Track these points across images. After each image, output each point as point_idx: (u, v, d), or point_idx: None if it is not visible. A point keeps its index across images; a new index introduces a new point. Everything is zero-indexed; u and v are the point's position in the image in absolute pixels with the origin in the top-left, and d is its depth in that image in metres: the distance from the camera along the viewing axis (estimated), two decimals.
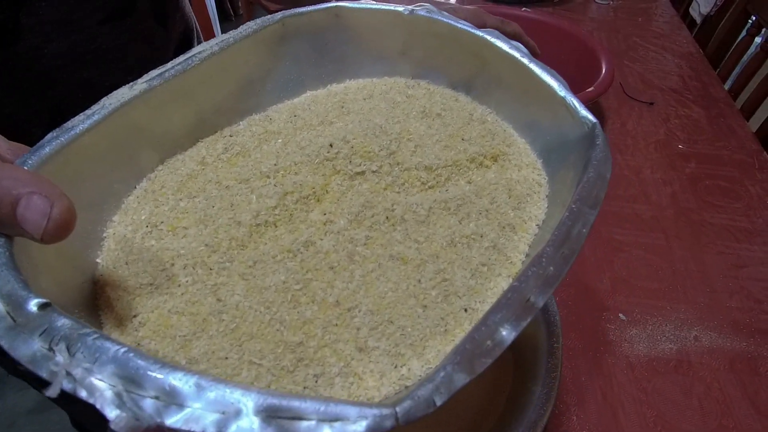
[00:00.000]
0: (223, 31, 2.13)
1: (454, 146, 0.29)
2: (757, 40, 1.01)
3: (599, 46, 0.72)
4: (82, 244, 0.23)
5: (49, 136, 0.23)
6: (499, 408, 0.37)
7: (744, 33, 1.02)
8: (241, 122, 0.31)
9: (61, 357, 0.15)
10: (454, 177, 0.27)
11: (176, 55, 0.48)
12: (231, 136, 0.30)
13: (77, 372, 0.14)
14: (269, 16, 0.31)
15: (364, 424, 0.14)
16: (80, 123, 0.24)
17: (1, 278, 0.16)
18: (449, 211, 0.25)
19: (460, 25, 0.31)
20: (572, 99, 0.27)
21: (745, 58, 1.03)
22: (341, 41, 0.33)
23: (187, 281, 0.22)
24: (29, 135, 0.39)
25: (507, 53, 0.29)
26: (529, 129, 0.30)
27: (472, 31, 0.30)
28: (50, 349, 0.15)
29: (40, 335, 0.15)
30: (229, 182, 0.26)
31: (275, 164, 0.27)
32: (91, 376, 0.14)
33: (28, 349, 0.15)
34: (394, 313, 0.21)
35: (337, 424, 0.14)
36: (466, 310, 0.21)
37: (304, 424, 0.14)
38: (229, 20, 2.77)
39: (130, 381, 0.14)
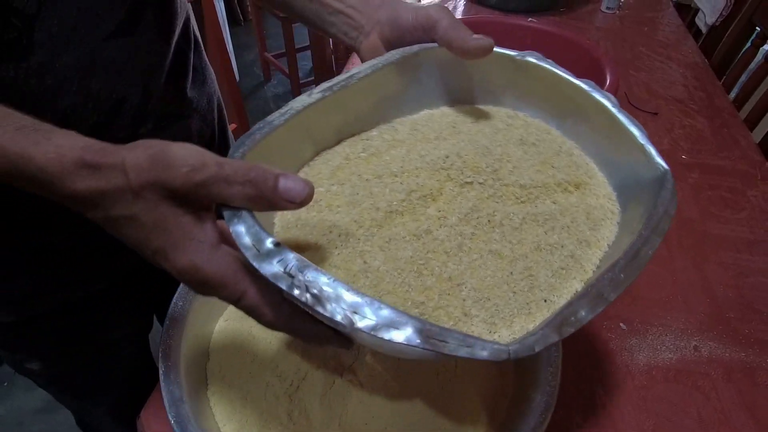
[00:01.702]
0: (233, 36, 2.11)
1: (544, 171, 0.34)
2: (762, 50, 1.01)
3: (604, 57, 0.73)
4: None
5: (256, 126, 0.30)
6: (500, 415, 0.38)
7: (749, 44, 1.03)
8: (373, 130, 0.37)
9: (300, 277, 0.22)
10: (542, 196, 0.33)
11: (172, 65, 0.48)
12: (367, 140, 0.36)
13: (309, 286, 0.22)
14: (409, 48, 0.38)
15: (486, 352, 0.21)
16: (277, 118, 0.31)
17: (248, 224, 0.24)
18: (537, 223, 0.31)
19: (561, 72, 0.37)
20: (650, 147, 0.32)
21: (750, 68, 1.03)
22: (458, 72, 0.39)
23: (342, 245, 0.29)
24: None
25: (598, 101, 0.35)
26: (608, 166, 0.35)
27: (571, 79, 0.36)
28: (285, 272, 0.22)
29: (278, 262, 0.23)
30: (368, 176, 0.33)
31: (401, 167, 0.33)
32: (317, 291, 0.22)
33: (271, 269, 0.23)
34: (491, 293, 0.27)
35: (469, 349, 0.21)
36: (545, 301, 0.27)
37: (448, 345, 0.21)
38: (238, 25, 2.80)
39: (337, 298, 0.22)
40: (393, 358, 0.39)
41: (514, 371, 0.41)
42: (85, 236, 0.47)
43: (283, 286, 0.22)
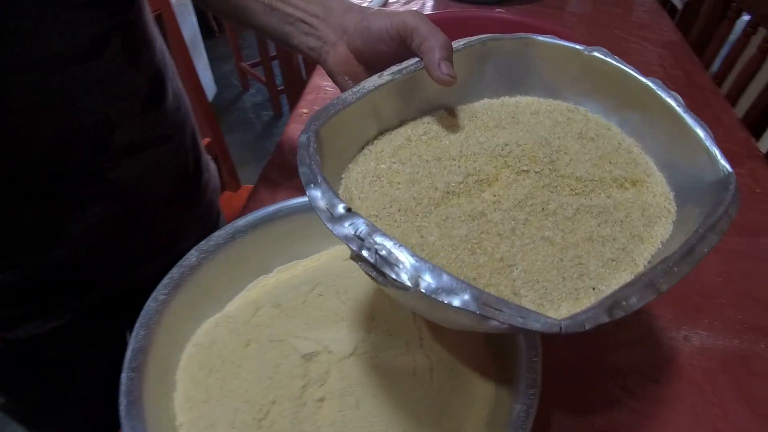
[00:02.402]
0: (209, 48, 2.08)
1: (601, 166, 0.34)
2: (739, 22, 1.00)
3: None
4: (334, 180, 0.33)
5: (331, 102, 0.32)
6: (481, 426, 0.36)
7: (726, 18, 1.01)
8: (435, 114, 0.38)
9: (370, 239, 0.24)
10: (597, 190, 0.33)
11: (148, 97, 0.46)
12: (428, 123, 0.37)
13: (378, 249, 0.23)
14: (474, 37, 0.38)
15: (539, 324, 0.22)
16: (350, 96, 0.33)
17: (323, 189, 0.26)
18: (591, 215, 0.31)
19: (628, 69, 0.37)
20: (715, 149, 0.32)
21: (728, 42, 1.01)
22: (522, 64, 0.40)
23: (401, 219, 0.30)
24: (20, 168, 0.38)
25: (665, 101, 0.35)
26: (669, 165, 0.35)
27: (638, 76, 0.36)
28: (355, 234, 0.24)
29: (349, 225, 0.24)
30: (428, 157, 0.34)
31: (460, 151, 0.34)
32: (385, 252, 0.23)
33: (342, 231, 0.24)
34: (540, 277, 0.28)
35: (522, 320, 0.22)
36: (593, 289, 0.28)
37: (503, 314, 0.22)
38: (213, 37, 2.77)
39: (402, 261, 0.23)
40: (361, 379, 0.37)
41: (495, 379, 0.39)
42: (45, 272, 0.45)
43: (354, 247, 0.24)
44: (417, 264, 0.23)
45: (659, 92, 0.35)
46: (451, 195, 0.32)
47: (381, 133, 0.37)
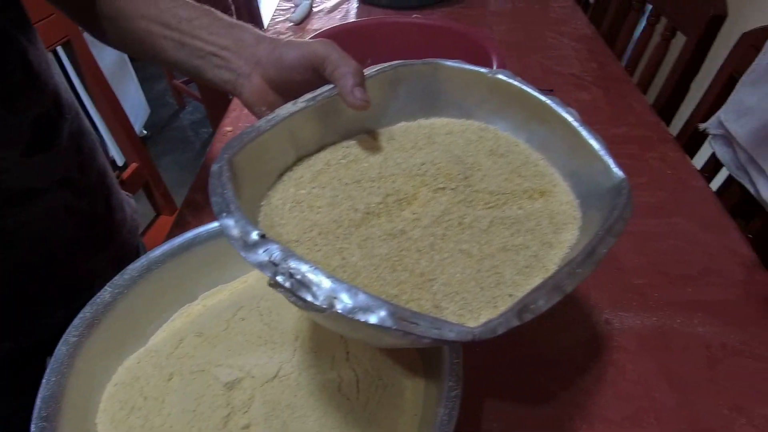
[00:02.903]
0: (140, 68, 2.01)
1: (512, 180, 0.37)
2: (644, 13, 1.05)
3: (489, 44, 0.73)
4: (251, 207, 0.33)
5: (245, 130, 0.33)
6: None
7: (632, 9, 1.07)
8: (353, 139, 0.39)
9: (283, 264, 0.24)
10: (509, 202, 0.36)
11: (33, 142, 0.43)
12: (347, 147, 0.38)
13: (293, 273, 0.24)
14: (387, 64, 0.40)
15: (453, 334, 0.23)
16: (264, 124, 0.34)
17: (236, 217, 0.26)
18: (504, 226, 0.33)
19: (528, 89, 0.39)
20: (608, 157, 0.34)
21: (636, 32, 1.07)
22: (434, 87, 0.42)
23: (322, 242, 0.31)
24: None
25: (562, 116, 0.37)
26: (572, 175, 0.38)
27: (538, 95, 0.39)
28: (270, 260, 0.24)
29: (263, 252, 0.25)
30: (348, 180, 0.35)
31: (379, 172, 0.36)
32: (300, 277, 0.24)
33: (257, 258, 0.24)
34: (460, 288, 0.29)
35: (438, 331, 0.23)
36: (510, 296, 0.29)
37: (419, 327, 0.23)
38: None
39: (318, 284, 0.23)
40: (287, 401, 0.36)
41: (424, 384, 0.39)
42: None
43: (268, 273, 0.24)
44: (333, 285, 0.23)
45: (557, 109, 0.38)
46: (372, 216, 0.33)
47: (300, 159, 0.37)
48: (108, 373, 0.41)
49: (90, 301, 0.41)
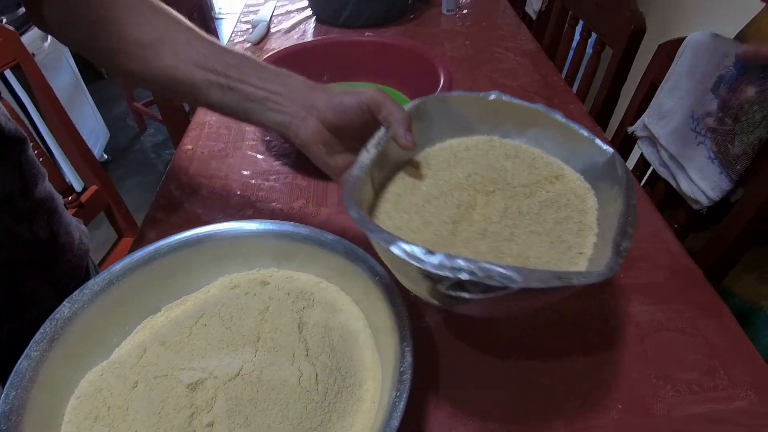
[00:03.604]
0: (97, 91, 1.97)
1: (533, 173, 0.46)
2: (578, 28, 1.13)
3: (437, 59, 0.78)
4: None
5: (349, 180, 0.39)
6: (370, 420, 0.39)
7: (567, 25, 1.15)
8: (401, 170, 0.46)
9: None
10: (540, 189, 0.45)
11: None
12: (403, 179, 0.46)
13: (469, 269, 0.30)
14: (417, 99, 0.48)
15: (595, 276, 0.31)
16: (359, 171, 0.40)
17: (404, 243, 0.32)
18: (548, 206, 0.43)
19: (517, 102, 0.48)
20: (596, 139, 0.44)
21: (573, 46, 1.15)
22: (444, 115, 0.49)
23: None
24: None
25: (552, 116, 0.47)
26: (570, 159, 0.47)
27: (526, 104, 0.48)
28: (451, 266, 0.30)
29: (436, 260, 0.31)
30: (421, 203, 0.43)
31: (439, 191, 0.44)
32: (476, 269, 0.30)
33: (434, 265, 0.30)
34: (547, 258, 0.38)
35: (584, 278, 0.31)
36: (581, 254, 0.39)
37: (571, 279, 0.30)
38: (101, 78, 2.64)
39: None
40: (249, 396, 0.38)
41: (382, 375, 0.42)
42: None
43: (448, 274, 0.30)
44: (502, 270, 0.30)
45: (546, 111, 0.47)
46: (456, 224, 0.41)
47: (377, 195, 0.44)
48: (71, 386, 0.42)
49: (50, 317, 0.42)
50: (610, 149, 0.43)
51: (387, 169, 0.45)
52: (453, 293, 0.32)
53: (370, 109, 0.43)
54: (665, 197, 0.76)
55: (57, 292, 0.55)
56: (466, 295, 0.31)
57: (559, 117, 0.47)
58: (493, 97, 0.48)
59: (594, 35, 1.02)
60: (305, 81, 0.45)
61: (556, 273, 0.30)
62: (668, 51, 0.74)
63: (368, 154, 0.41)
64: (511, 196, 0.44)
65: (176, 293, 0.49)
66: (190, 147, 0.77)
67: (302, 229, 0.49)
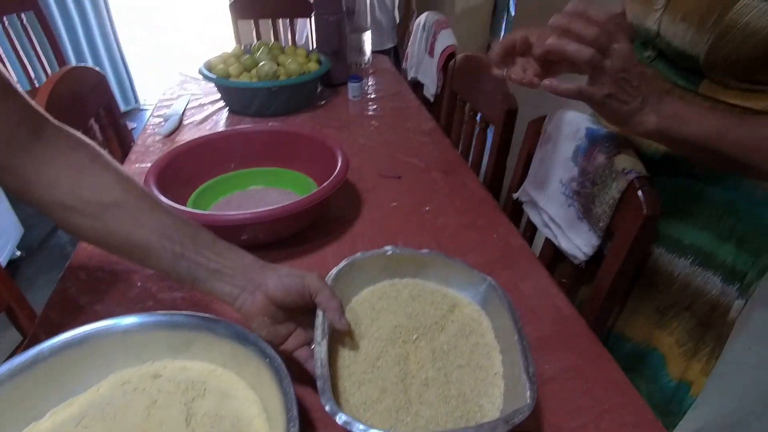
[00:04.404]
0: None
1: (436, 308, 0.57)
2: (467, 108, 1.27)
3: (335, 144, 0.84)
4: None
5: (319, 376, 0.45)
6: None
7: (457, 106, 1.28)
8: (337, 338, 0.53)
9: None
10: (446, 322, 0.55)
11: None
12: (342, 347, 0.53)
13: None
14: (333, 271, 0.57)
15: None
16: (321, 368, 0.46)
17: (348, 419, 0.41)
18: (459, 337, 0.54)
19: (408, 252, 0.60)
20: (473, 270, 0.58)
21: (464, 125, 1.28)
22: (358, 270, 0.58)
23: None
24: None
25: (438, 257, 0.59)
26: (461, 289, 0.59)
27: (416, 253, 0.60)
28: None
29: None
30: (373, 360, 0.51)
31: (378, 353, 0.51)
32: None
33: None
34: (476, 388, 0.49)
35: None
36: (496, 374, 0.51)
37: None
38: None
39: None
40: None
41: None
42: None
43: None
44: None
45: (436, 257, 0.59)
46: (404, 380, 0.49)
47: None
48: None
49: None
50: (487, 277, 0.56)
51: (326, 340, 0.50)
52: None
53: (311, 293, 0.49)
54: (554, 254, 0.84)
55: None
56: None
57: (443, 257, 0.59)
58: (390, 252, 0.59)
59: (479, 115, 1.14)
60: (254, 259, 0.51)
61: (504, 418, 0.40)
62: (537, 127, 0.85)
63: (321, 347, 0.47)
64: (431, 339, 0.53)
65: (64, 395, 0.48)
66: None
67: (194, 319, 0.50)
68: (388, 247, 0.59)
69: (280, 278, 0.49)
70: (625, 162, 0.66)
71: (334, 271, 0.56)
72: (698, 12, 0.56)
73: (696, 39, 0.57)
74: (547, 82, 0.53)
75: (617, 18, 0.74)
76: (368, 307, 0.57)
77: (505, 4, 2.69)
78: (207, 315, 0.50)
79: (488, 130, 1.12)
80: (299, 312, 0.50)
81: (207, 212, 0.80)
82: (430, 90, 1.47)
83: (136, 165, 1.00)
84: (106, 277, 0.69)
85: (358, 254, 0.59)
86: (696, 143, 0.55)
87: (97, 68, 1.14)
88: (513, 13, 2.34)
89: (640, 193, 0.63)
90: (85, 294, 0.66)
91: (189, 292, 0.66)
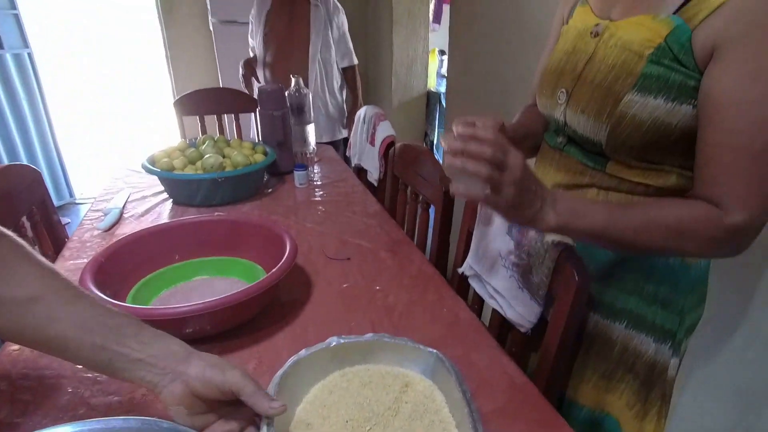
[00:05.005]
0: None
1: (388, 391, 0.58)
2: (409, 191, 1.34)
3: (283, 232, 0.85)
4: None
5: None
6: None
7: (400, 189, 1.35)
8: (302, 403, 0.57)
9: None
10: (400, 404, 0.56)
11: None
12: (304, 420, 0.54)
13: None
14: (276, 375, 0.55)
15: None
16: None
17: None
18: (414, 419, 0.54)
19: (352, 339, 0.60)
20: (419, 345, 0.60)
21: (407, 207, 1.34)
22: (301, 371, 0.57)
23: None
24: None
25: (382, 340, 0.61)
26: (412, 365, 0.61)
27: (360, 339, 0.61)
28: None
29: None
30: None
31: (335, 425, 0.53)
32: None
33: None
34: None
35: None
36: None
37: None
38: None
39: None
40: None
41: None
42: None
43: None
44: None
45: (376, 338, 0.61)
46: None
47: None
48: None
49: None
50: (434, 351, 0.58)
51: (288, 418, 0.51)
52: None
53: (233, 391, 0.48)
54: (502, 324, 0.86)
55: None
56: None
57: (388, 338, 0.61)
58: (333, 344, 0.59)
59: (421, 196, 1.20)
60: (182, 346, 0.50)
61: None
62: (474, 205, 0.91)
63: (281, 374, 0.48)
64: (385, 426, 0.53)
65: None
66: (16, 348, 0.70)
67: (132, 423, 0.46)
68: (332, 339, 0.59)
69: (204, 369, 0.48)
70: (554, 235, 0.72)
71: (279, 373, 0.55)
72: (594, 106, 0.65)
73: (596, 128, 0.65)
74: (458, 190, 0.57)
75: (497, 126, 0.72)
76: (319, 405, 0.56)
77: (437, 98, 2.94)
78: (146, 418, 0.47)
79: (430, 210, 1.18)
80: (222, 403, 0.49)
81: (147, 307, 0.76)
82: (374, 175, 1.54)
83: (70, 262, 0.96)
84: (31, 385, 0.63)
85: (302, 351, 0.58)
86: (593, 233, 0.61)
87: (32, 165, 1.12)
88: (444, 105, 2.56)
89: (568, 264, 0.68)
90: (3, 406, 0.60)
91: (126, 396, 0.62)
